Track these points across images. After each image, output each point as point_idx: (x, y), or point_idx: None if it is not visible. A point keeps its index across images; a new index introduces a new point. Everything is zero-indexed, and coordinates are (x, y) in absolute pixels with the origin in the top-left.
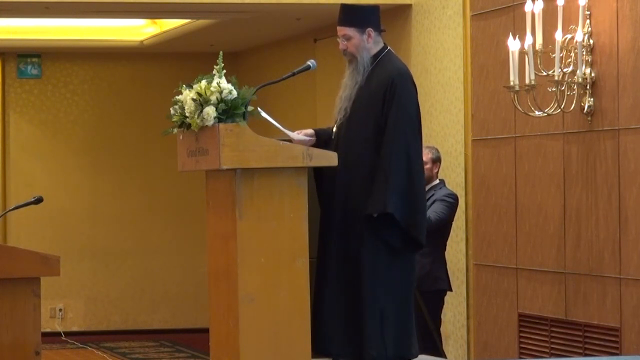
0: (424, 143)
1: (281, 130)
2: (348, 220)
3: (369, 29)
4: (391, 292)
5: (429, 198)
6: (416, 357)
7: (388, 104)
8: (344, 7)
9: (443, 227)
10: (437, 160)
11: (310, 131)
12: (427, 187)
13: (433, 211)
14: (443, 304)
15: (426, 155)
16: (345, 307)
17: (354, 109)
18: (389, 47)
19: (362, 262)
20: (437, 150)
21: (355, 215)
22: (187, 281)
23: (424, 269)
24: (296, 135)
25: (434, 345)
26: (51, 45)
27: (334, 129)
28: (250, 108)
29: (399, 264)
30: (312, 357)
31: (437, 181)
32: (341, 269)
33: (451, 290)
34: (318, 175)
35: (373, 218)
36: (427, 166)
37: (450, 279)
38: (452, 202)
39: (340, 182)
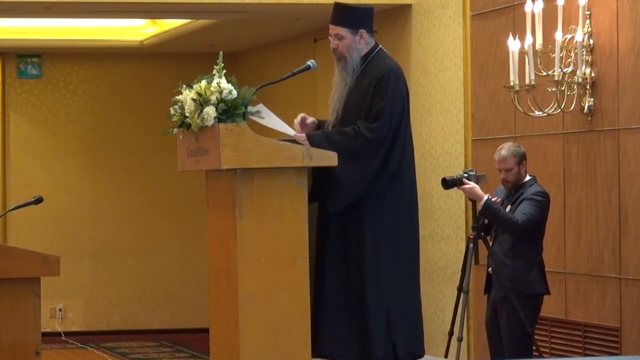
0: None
1: (283, 131)
2: (345, 219)
3: (362, 30)
4: (395, 290)
5: (517, 197)
6: (422, 356)
7: (377, 98)
8: (338, 6)
9: (535, 228)
10: (521, 160)
11: (313, 119)
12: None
13: (521, 212)
14: (539, 308)
15: (510, 161)
16: (348, 308)
17: (346, 110)
18: (380, 46)
19: (363, 261)
20: (518, 147)
21: (352, 213)
22: (187, 281)
23: (517, 272)
24: (295, 131)
25: (529, 349)
26: (51, 45)
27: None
28: (250, 108)
29: (400, 261)
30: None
31: (528, 177)
32: (341, 268)
33: (549, 293)
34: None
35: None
36: (513, 170)
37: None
38: (541, 201)
39: None
